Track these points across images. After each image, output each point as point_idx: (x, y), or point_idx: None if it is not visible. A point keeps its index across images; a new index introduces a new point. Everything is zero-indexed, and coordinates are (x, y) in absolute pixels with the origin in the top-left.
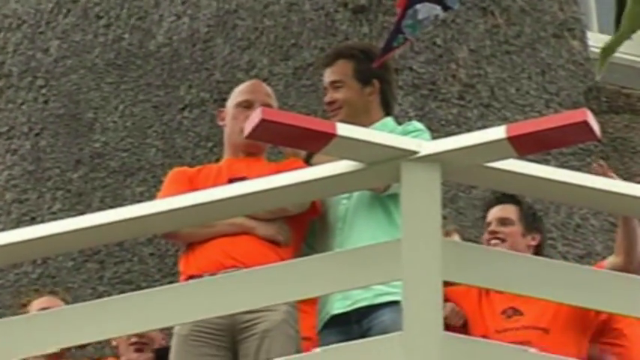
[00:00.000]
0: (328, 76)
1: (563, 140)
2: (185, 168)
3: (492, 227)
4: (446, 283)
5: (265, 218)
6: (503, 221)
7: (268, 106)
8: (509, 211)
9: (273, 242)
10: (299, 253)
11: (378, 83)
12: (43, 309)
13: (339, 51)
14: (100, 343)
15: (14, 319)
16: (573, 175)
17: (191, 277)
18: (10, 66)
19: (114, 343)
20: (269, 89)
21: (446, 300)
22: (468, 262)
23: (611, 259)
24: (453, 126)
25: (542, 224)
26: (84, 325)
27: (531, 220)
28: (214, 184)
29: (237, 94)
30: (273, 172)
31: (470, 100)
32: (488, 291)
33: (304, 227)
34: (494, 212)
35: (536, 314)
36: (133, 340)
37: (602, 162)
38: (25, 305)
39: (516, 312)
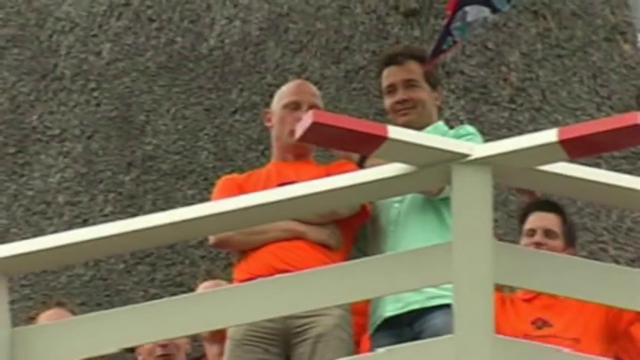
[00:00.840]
0: (399, 74)
1: (614, 143)
2: (234, 175)
3: (538, 238)
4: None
5: (316, 222)
6: (549, 233)
7: (315, 106)
8: (554, 222)
9: (325, 246)
10: (349, 257)
11: (441, 89)
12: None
13: (411, 51)
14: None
15: (73, 320)
16: (625, 179)
17: (243, 282)
18: (63, 69)
19: (139, 358)
20: (315, 89)
21: None
22: (519, 265)
23: None
24: (505, 129)
25: (576, 238)
26: (140, 326)
27: (571, 235)
28: (264, 189)
29: (283, 95)
30: (322, 175)
31: (521, 103)
32: (513, 300)
33: (354, 231)
34: (539, 220)
35: (566, 325)
36: (159, 352)
37: None
38: (32, 318)
39: (545, 324)
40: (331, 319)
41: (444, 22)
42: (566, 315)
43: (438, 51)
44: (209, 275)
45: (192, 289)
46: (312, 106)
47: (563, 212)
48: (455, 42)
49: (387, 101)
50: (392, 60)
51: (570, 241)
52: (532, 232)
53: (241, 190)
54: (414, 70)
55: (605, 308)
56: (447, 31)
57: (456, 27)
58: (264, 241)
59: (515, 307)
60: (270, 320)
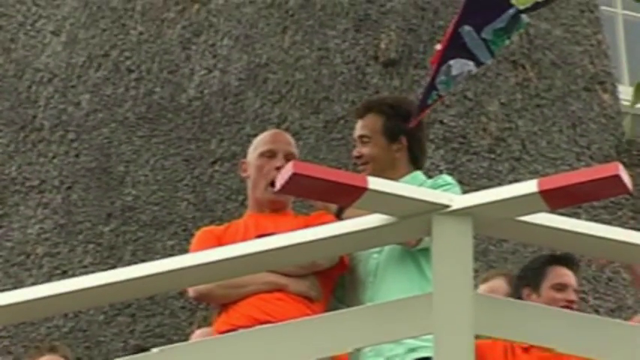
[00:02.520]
0: (358, 129)
1: (595, 194)
2: (212, 227)
3: (571, 296)
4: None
5: (297, 274)
6: (575, 290)
7: (291, 155)
8: (574, 278)
9: (306, 298)
10: (328, 308)
11: (406, 140)
12: None
13: (370, 104)
14: None
15: None
16: (605, 229)
17: (224, 333)
18: (42, 120)
19: None
20: (290, 138)
21: None
22: (500, 316)
23: None
24: (484, 179)
25: None
26: None
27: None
28: (243, 241)
29: (259, 145)
30: (301, 226)
31: (501, 153)
32: (514, 349)
33: (333, 282)
34: (568, 277)
35: None
36: None
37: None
38: None
39: None
40: None
41: (425, 72)
42: None
43: (423, 106)
44: (205, 322)
45: (172, 341)
46: (288, 155)
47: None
48: (440, 96)
49: None
50: (356, 113)
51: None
52: (558, 287)
53: (219, 242)
54: (369, 124)
55: None
56: (431, 86)
57: (441, 81)
58: (245, 294)
59: (516, 357)
60: None
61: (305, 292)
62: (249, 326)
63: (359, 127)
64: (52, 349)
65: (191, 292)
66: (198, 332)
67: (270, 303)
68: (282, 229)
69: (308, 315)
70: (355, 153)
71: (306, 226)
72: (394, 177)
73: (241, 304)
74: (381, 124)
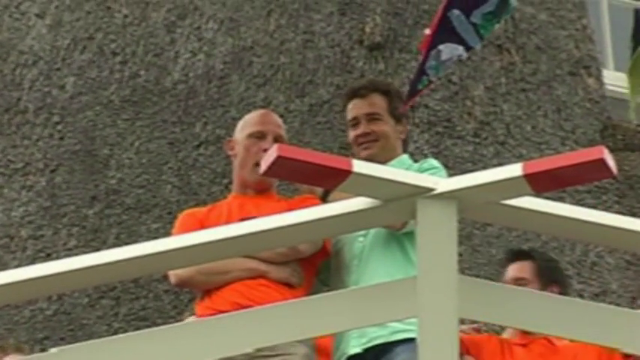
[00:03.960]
0: (362, 107)
1: (579, 178)
2: (195, 210)
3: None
4: (462, 321)
5: (278, 261)
6: (518, 281)
7: (280, 137)
8: (524, 269)
9: (287, 284)
10: (312, 293)
11: (406, 123)
12: None
13: (374, 84)
14: None
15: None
16: (589, 213)
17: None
18: (26, 102)
19: None
20: (279, 120)
21: (467, 351)
22: (484, 299)
23: None
24: (469, 163)
25: (561, 275)
26: None
27: (548, 274)
28: (226, 224)
29: (247, 125)
30: (284, 210)
31: (485, 137)
32: (509, 343)
33: (315, 268)
34: (510, 272)
35: None
36: None
37: None
38: None
39: None
40: (297, 359)
41: (410, 56)
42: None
43: (413, 91)
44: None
45: (156, 324)
46: (277, 137)
47: (534, 257)
48: (430, 81)
49: (351, 134)
50: (356, 93)
51: (549, 281)
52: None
53: (202, 224)
54: (377, 103)
55: (597, 353)
56: (421, 71)
57: (431, 66)
58: (226, 281)
59: (513, 353)
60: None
61: (286, 278)
62: (232, 311)
63: (364, 106)
64: (18, 349)
65: (172, 277)
66: (190, 320)
67: (253, 289)
68: (265, 212)
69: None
70: (362, 130)
71: (289, 209)
72: (391, 158)
73: (225, 289)
74: (387, 105)
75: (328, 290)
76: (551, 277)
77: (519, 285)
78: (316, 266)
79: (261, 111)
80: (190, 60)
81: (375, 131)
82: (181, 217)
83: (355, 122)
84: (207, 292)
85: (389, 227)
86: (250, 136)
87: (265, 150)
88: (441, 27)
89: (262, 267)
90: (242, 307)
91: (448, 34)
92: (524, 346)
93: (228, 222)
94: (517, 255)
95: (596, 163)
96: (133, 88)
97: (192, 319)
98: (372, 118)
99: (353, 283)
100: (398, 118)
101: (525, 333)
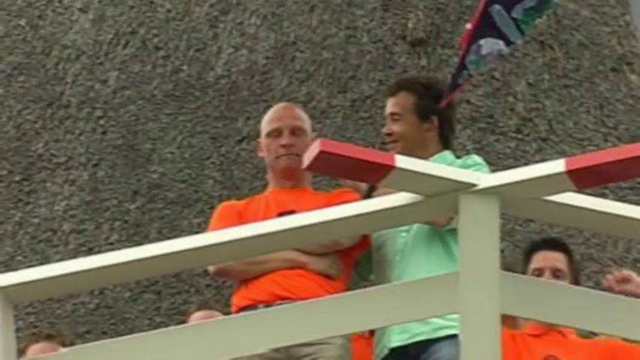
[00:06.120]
0: (389, 107)
1: (622, 174)
2: (233, 202)
3: (546, 277)
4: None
5: (318, 253)
6: (557, 272)
7: (297, 128)
8: (562, 261)
9: (326, 276)
10: (349, 285)
11: (437, 120)
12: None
13: (402, 83)
14: None
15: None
16: (632, 209)
17: (244, 308)
18: (69, 97)
19: None
20: (299, 111)
21: None
22: (526, 295)
23: None
24: (511, 159)
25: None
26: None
27: (577, 274)
28: (264, 218)
29: (265, 124)
30: (322, 204)
31: (528, 133)
32: (523, 336)
33: (353, 260)
34: (547, 259)
35: None
36: None
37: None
38: (22, 351)
39: None
40: (334, 350)
41: (452, 52)
42: (579, 353)
43: (454, 86)
44: (204, 305)
45: None
46: (293, 129)
47: (569, 251)
48: (470, 76)
49: None
50: (388, 91)
51: (576, 280)
52: (539, 272)
53: (240, 217)
54: (400, 102)
55: (614, 346)
56: (462, 65)
57: (471, 60)
58: (265, 270)
59: (526, 343)
60: (273, 350)
61: (325, 270)
62: (269, 301)
63: (390, 105)
64: (49, 337)
65: (211, 268)
66: (196, 315)
67: (290, 279)
68: (304, 207)
69: (328, 293)
70: (385, 130)
71: (327, 203)
72: (424, 156)
73: (262, 279)
74: (412, 103)
75: (366, 284)
76: (578, 276)
77: (556, 276)
78: (354, 259)
79: (277, 106)
80: (233, 55)
81: (393, 132)
82: (220, 208)
83: (385, 121)
84: (245, 282)
85: (433, 224)
86: (268, 135)
87: (283, 146)
88: (482, 22)
89: (302, 258)
90: (278, 297)
91: (489, 29)
92: (536, 336)
93: (266, 215)
94: (554, 245)
95: (638, 159)
96: (175, 83)
97: (198, 314)
98: (392, 117)
99: (395, 278)
100: (425, 116)
101: (540, 324)
